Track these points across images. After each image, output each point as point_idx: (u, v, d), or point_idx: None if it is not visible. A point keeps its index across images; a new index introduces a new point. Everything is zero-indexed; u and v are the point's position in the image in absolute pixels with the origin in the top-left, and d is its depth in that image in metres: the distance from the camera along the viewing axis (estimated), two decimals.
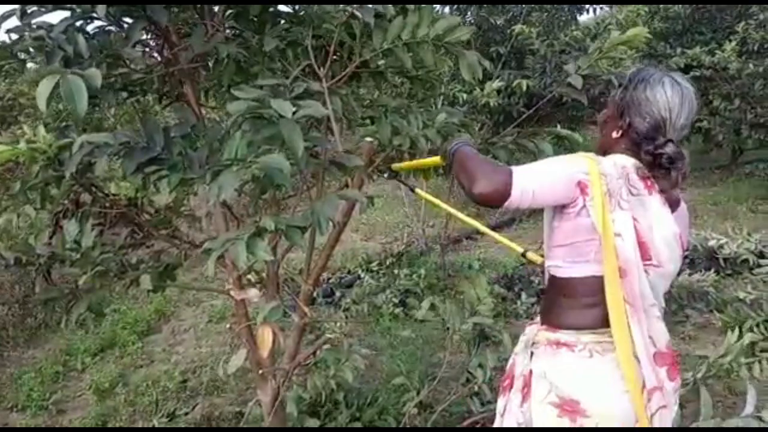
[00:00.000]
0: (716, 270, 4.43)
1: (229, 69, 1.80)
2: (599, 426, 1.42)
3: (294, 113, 1.23)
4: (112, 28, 1.72)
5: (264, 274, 2.15)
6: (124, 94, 1.98)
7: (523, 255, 1.82)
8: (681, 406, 1.55)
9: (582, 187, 1.37)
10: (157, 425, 3.26)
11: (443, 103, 5.61)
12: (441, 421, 2.66)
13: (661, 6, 8.11)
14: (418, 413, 2.64)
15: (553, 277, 1.53)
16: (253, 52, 1.78)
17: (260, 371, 2.06)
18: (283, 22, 1.90)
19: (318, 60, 1.76)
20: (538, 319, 1.64)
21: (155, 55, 1.96)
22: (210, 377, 3.74)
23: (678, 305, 3.96)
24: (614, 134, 1.50)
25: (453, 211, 1.95)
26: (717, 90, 7.24)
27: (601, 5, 7.89)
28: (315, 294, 4.89)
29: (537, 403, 1.51)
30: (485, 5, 7.24)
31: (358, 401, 2.83)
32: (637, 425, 1.43)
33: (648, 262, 1.42)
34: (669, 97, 1.40)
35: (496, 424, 1.69)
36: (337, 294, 5.04)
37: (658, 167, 1.43)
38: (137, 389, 3.71)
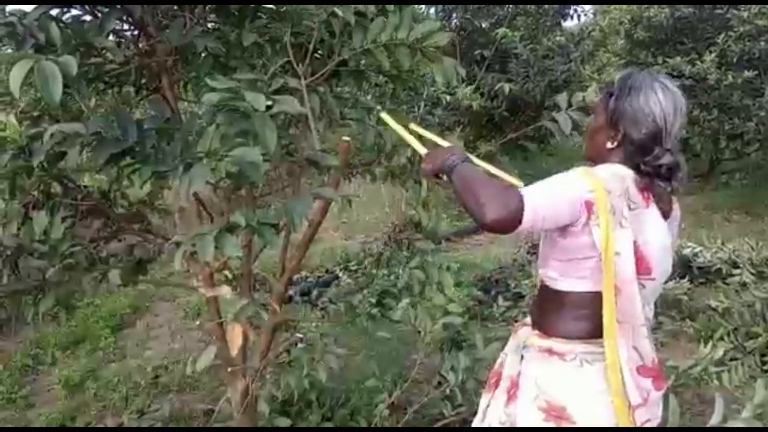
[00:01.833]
0: (690, 278, 4.48)
1: (207, 62, 1.78)
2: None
3: (269, 108, 1.21)
4: (87, 18, 1.69)
5: (239, 272, 2.13)
6: (101, 86, 1.94)
7: (379, 119, 1.72)
8: None
9: (588, 206, 1.33)
10: (126, 422, 3.22)
11: (426, 104, 5.62)
12: (413, 423, 2.65)
13: (644, 14, 8.16)
14: (389, 414, 2.63)
15: (547, 287, 1.52)
16: (232, 47, 1.76)
17: (229, 369, 2.04)
18: (263, 17, 1.88)
19: (297, 57, 1.74)
20: (528, 320, 1.64)
21: (132, 46, 1.93)
22: (182, 374, 3.69)
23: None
24: (609, 145, 1.45)
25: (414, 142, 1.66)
26: (696, 100, 7.32)
27: (583, 10, 7.96)
28: (292, 293, 4.86)
29: (524, 405, 1.52)
30: (470, 7, 7.27)
31: (330, 401, 2.81)
32: None
33: (646, 276, 1.42)
34: (663, 105, 1.37)
35: (476, 421, 1.69)
36: (315, 293, 5.01)
37: (658, 177, 1.40)
38: (108, 384, 3.65)
